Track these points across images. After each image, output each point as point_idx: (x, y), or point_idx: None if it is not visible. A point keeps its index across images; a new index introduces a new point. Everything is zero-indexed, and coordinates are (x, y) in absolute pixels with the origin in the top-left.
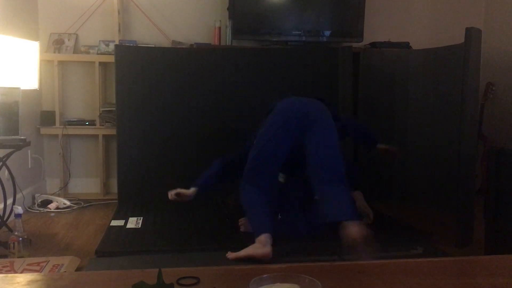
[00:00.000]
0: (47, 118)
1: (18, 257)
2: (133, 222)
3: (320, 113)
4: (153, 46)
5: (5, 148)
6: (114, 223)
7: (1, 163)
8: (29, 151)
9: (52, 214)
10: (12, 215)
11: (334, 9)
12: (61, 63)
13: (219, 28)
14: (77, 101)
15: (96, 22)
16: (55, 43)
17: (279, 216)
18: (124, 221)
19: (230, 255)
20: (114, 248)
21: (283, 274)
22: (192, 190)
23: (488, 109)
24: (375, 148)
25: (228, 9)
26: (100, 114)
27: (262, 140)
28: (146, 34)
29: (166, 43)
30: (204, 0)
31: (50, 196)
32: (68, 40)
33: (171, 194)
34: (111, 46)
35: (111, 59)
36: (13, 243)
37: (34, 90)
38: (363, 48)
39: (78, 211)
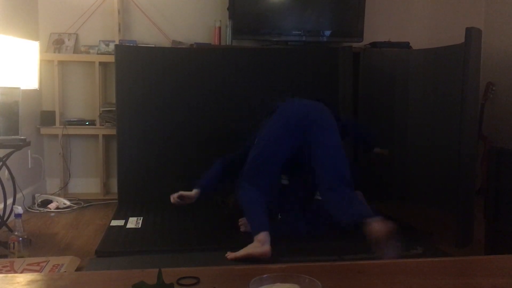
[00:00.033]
0: (47, 118)
1: (18, 257)
2: (133, 222)
3: (321, 113)
4: (153, 46)
5: (5, 148)
6: (114, 223)
7: (1, 163)
8: (29, 151)
9: (52, 214)
10: (12, 215)
11: (334, 9)
12: (61, 63)
13: (219, 28)
14: (77, 101)
15: (96, 22)
16: (55, 43)
17: (279, 216)
18: (124, 221)
19: (229, 255)
20: (114, 248)
21: (283, 274)
22: (194, 191)
23: (488, 109)
24: (372, 151)
25: (228, 9)
26: (100, 114)
27: (263, 140)
28: (146, 34)
29: (166, 43)
30: (204, 0)
31: (50, 196)
32: (68, 40)
33: (174, 197)
34: (111, 46)
35: (111, 59)
36: (13, 243)
37: (34, 90)
38: (363, 48)
39: (78, 211)
